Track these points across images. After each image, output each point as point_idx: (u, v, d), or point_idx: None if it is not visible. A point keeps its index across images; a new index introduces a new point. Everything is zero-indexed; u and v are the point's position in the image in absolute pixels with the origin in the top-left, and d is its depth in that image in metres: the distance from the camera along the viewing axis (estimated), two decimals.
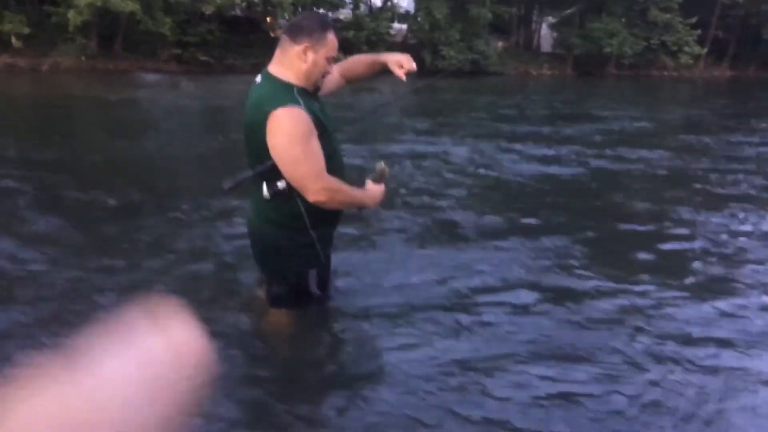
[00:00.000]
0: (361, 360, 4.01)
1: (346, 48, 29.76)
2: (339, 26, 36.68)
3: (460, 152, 11.78)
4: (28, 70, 29.15)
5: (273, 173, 3.13)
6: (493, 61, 41.15)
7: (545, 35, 49.50)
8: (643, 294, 5.32)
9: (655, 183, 10.01)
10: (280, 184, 3.12)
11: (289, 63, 3.17)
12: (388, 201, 3.98)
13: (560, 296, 5.13)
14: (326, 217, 3.34)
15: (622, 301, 5.14)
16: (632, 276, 5.65)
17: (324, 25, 3.19)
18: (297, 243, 3.29)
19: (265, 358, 3.76)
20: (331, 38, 3.20)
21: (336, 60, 3.32)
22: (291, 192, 3.15)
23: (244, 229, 4.00)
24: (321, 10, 38.11)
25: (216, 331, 3.84)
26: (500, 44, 45.05)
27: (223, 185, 3.13)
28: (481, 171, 10.21)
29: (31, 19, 30.95)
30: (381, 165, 3.54)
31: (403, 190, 8.36)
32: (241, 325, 4.07)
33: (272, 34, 38.57)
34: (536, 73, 43.76)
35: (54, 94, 20.54)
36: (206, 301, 4.50)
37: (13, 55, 30.70)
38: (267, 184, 3.16)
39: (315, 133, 3.02)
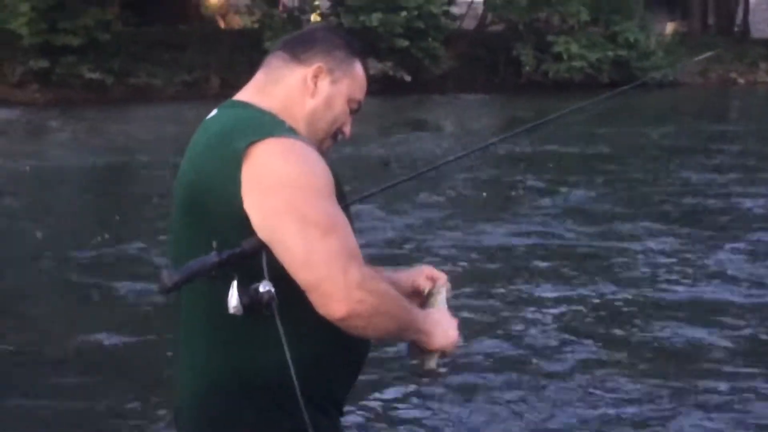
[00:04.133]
0: None
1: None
2: (344, 11, 28.25)
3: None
4: None
5: (249, 264, 2.08)
6: (655, 61, 31.67)
7: (759, 8, 40.98)
8: None
9: None
10: (263, 287, 2.05)
11: (283, 94, 2.30)
12: None
13: None
14: (335, 372, 2.27)
15: None
16: None
17: (351, 47, 2.38)
18: None
19: None
20: (360, 71, 2.36)
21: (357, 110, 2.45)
22: (285, 305, 2.06)
23: None
24: None
25: None
26: (669, 27, 37.92)
27: (163, 281, 2.03)
28: None
29: None
30: (430, 270, 2.55)
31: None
32: None
33: (222, 24, 30.71)
34: (744, 81, 35.34)
35: None
36: None
37: None
38: (238, 286, 2.07)
39: (334, 192, 2.20)
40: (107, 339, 6.02)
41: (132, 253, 8.40)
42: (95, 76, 25.29)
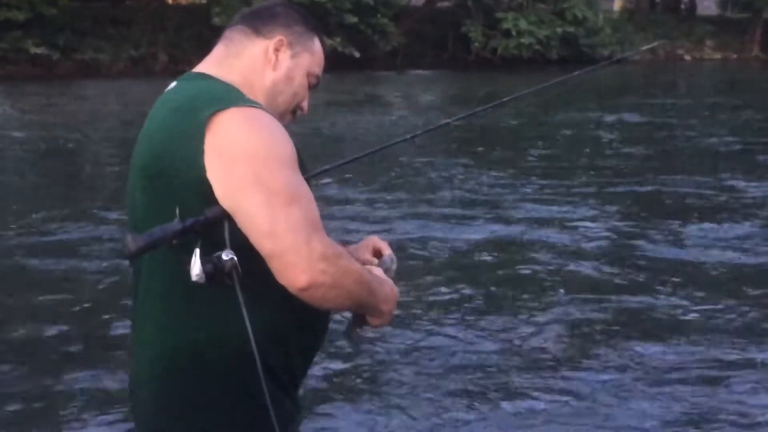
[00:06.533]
0: None
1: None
2: None
3: None
4: None
5: (212, 234, 2.07)
6: (603, 38, 32.42)
7: None
8: None
9: None
10: (226, 255, 2.04)
11: (243, 67, 2.31)
12: None
13: None
14: (294, 346, 2.26)
15: None
16: None
17: (310, 22, 2.42)
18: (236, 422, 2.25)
19: None
20: (319, 47, 2.39)
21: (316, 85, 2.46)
22: (246, 276, 2.04)
23: None
24: None
25: None
26: (617, 4, 38.72)
27: (127, 245, 2.02)
28: None
29: None
30: (376, 240, 2.54)
31: None
32: None
33: (169, 0, 30.49)
34: (691, 58, 36.36)
35: None
36: None
37: None
38: (201, 254, 2.06)
39: (297, 162, 2.19)
40: (61, 319, 5.77)
41: (81, 227, 8.29)
42: (41, 51, 25.21)
